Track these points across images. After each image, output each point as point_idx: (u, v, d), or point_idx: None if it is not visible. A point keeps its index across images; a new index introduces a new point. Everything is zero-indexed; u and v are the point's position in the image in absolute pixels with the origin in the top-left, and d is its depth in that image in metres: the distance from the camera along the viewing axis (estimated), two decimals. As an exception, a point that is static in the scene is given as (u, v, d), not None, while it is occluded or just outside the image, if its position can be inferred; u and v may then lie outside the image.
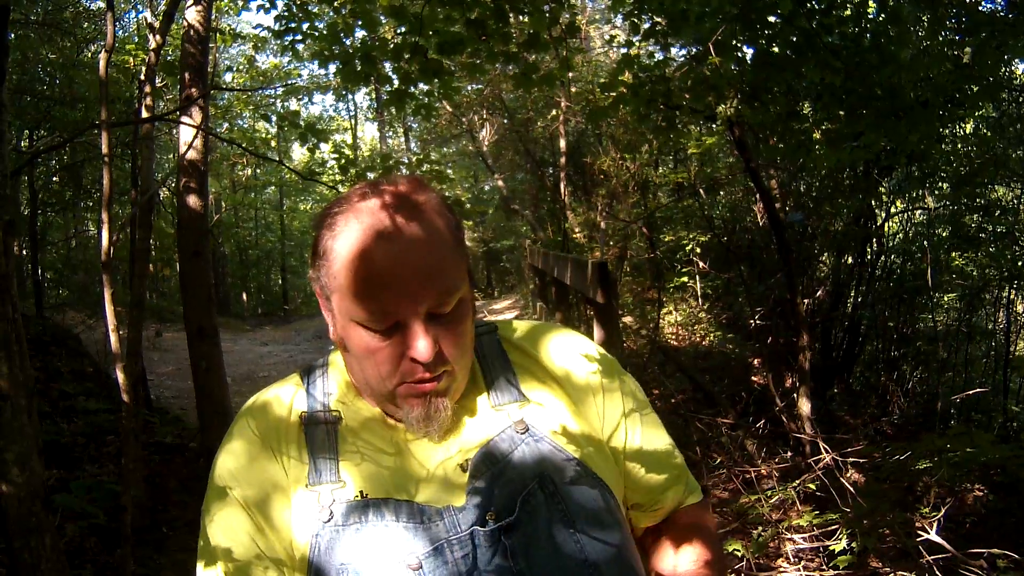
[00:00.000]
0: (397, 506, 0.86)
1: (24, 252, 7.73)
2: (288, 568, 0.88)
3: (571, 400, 0.97)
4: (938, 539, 2.57)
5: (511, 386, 0.95)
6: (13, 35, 5.83)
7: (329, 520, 0.86)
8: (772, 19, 3.19)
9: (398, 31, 3.41)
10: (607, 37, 10.64)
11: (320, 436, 0.92)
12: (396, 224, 0.83)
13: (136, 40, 6.94)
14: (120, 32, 10.00)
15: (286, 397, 0.95)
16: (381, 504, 0.86)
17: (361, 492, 0.88)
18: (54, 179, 8.37)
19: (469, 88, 12.14)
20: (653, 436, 1.01)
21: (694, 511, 1.04)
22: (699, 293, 8.79)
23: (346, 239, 0.84)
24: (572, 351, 1.00)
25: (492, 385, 0.96)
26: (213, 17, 5.96)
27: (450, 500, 0.87)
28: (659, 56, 4.16)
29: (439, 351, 0.85)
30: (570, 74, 7.55)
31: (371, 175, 5.94)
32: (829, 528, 3.11)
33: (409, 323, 0.83)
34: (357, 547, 0.84)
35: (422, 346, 0.83)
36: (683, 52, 5.75)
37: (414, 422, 0.88)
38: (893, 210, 6.78)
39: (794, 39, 3.15)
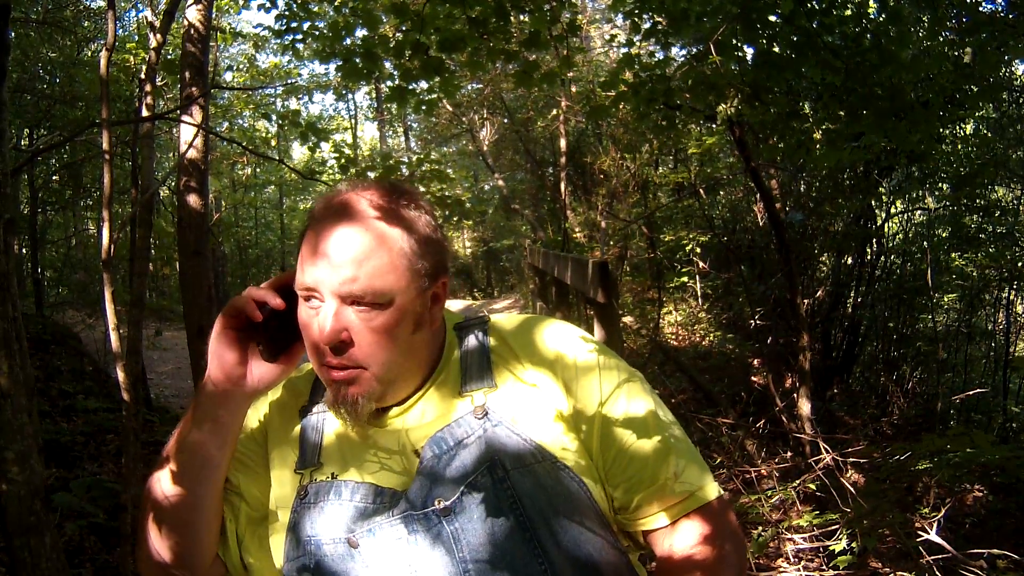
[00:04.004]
0: (356, 487, 0.93)
1: (24, 251, 7.72)
2: (241, 499, 0.99)
3: (547, 382, 0.95)
4: (938, 539, 2.57)
5: (483, 374, 0.97)
6: (14, 33, 5.82)
7: (304, 498, 0.95)
8: (772, 19, 3.18)
9: (399, 29, 3.41)
10: (607, 37, 10.64)
11: (312, 423, 1.00)
12: (348, 214, 0.89)
13: (137, 39, 6.93)
14: (121, 31, 10.00)
15: (302, 384, 1.05)
16: (342, 485, 0.93)
17: (332, 473, 0.95)
18: (54, 178, 8.35)
19: (469, 87, 12.13)
20: (632, 418, 0.94)
21: (698, 519, 0.92)
22: (699, 293, 8.79)
23: (313, 217, 0.92)
24: (551, 336, 0.99)
25: (465, 373, 0.97)
26: (214, 16, 5.96)
27: (406, 483, 0.92)
28: (660, 55, 4.15)
29: (348, 343, 0.89)
30: (570, 73, 7.55)
31: (371, 174, 5.94)
32: (829, 528, 3.11)
33: (325, 303, 0.88)
34: (320, 522, 0.92)
35: (320, 325, 0.87)
36: (684, 52, 5.76)
37: (331, 405, 0.93)
38: (893, 210, 6.77)
39: (794, 39, 3.14)
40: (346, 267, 0.86)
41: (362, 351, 0.88)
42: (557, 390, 0.94)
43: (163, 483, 0.95)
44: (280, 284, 0.93)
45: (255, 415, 1.03)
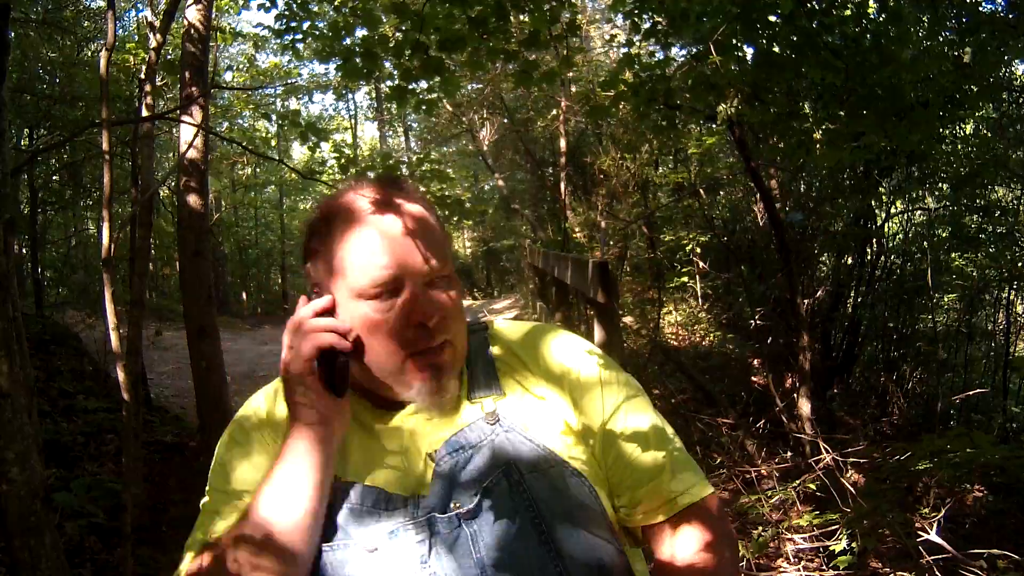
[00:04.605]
0: (365, 491, 0.91)
1: (24, 251, 7.72)
2: None
3: (554, 395, 0.97)
4: (938, 540, 2.57)
5: (490, 380, 0.97)
6: (13, 33, 5.81)
7: None
8: (772, 19, 3.18)
9: (399, 28, 3.41)
10: (607, 37, 10.64)
11: None
12: (391, 200, 0.90)
13: (136, 39, 6.95)
14: (120, 31, 10.00)
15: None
16: (349, 489, 0.91)
17: (336, 477, 0.92)
18: (54, 178, 8.35)
19: (469, 88, 12.13)
20: (634, 430, 0.96)
21: (694, 512, 0.95)
22: (699, 293, 8.78)
23: (345, 220, 0.90)
24: (559, 349, 1.01)
25: (472, 379, 0.98)
26: (213, 16, 5.95)
27: (417, 488, 0.91)
28: (660, 55, 4.15)
29: (445, 321, 0.90)
30: (570, 73, 7.55)
31: (371, 174, 5.94)
32: (829, 528, 3.11)
33: (411, 290, 0.88)
34: (328, 529, 0.89)
35: (429, 307, 0.88)
36: (684, 52, 5.75)
37: (425, 395, 0.92)
38: (893, 210, 6.77)
39: (794, 39, 3.14)
40: (423, 250, 0.89)
41: (450, 328, 0.91)
42: (564, 404, 0.96)
43: (262, 549, 0.85)
44: (321, 313, 0.93)
45: (260, 443, 0.99)
